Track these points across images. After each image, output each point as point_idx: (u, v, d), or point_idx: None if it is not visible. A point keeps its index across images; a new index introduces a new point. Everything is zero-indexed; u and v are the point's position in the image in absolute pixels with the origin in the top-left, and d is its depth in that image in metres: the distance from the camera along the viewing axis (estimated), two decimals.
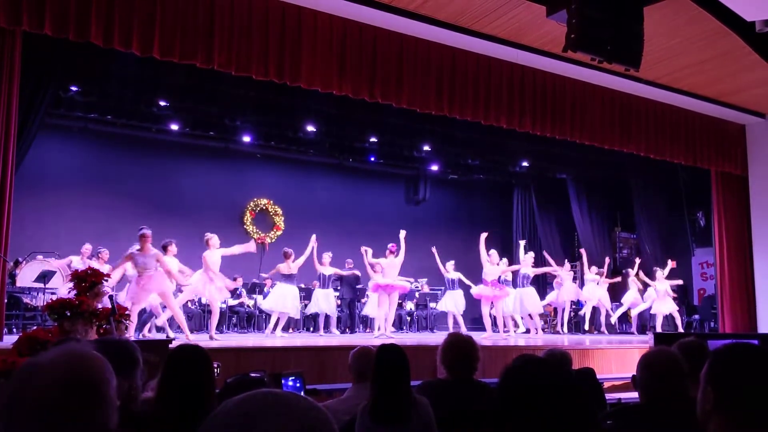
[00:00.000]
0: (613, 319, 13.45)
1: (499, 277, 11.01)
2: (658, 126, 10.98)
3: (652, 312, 12.72)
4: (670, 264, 12.80)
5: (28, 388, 1.11)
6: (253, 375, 3.36)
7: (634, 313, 13.39)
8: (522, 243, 12.65)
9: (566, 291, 13.11)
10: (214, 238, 9.26)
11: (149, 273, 8.32)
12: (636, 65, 6.84)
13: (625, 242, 16.61)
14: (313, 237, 10.48)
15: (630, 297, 13.19)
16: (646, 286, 13.04)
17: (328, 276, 11.03)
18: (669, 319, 12.66)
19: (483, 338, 9.70)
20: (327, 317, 11.53)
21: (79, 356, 1.17)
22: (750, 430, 1.50)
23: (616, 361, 8.92)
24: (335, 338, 10.57)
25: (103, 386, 1.15)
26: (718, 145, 11.82)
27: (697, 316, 13.74)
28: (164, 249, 8.91)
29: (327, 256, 10.92)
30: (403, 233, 10.32)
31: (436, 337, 10.48)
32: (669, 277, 12.66)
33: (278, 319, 10.21)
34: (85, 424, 1.12)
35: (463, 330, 11.28)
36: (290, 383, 3.89)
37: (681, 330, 12.44)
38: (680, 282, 13.14)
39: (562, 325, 13.21)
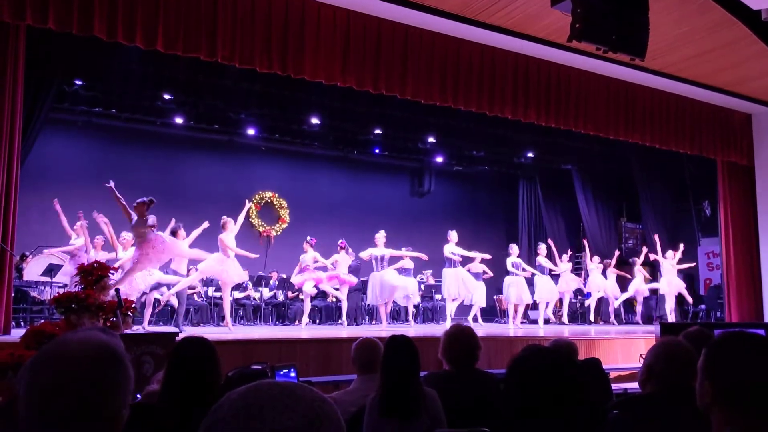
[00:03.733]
0: (617, 303, 13.44)
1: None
2: (663, 116, 10.93)
3: (661, 293, 12.84)
4: (681, 249, 12.85)
5: (64, 353, 1.20)
6: (254, 367, 3.37)
7: (639, 298, 13.45)
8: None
9: (564, 281, 13.18)
10: (230, 222, 9.37)
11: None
12: (641, 55, 6.80)
13: (630, 232, 16.58)
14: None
15: (635, 285, 13.21)
16: (653, 273, 13.11)
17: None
18: (678, 302, 12.83)
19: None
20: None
21: (105, 336, 1.27)
22: (751, 424, 1.49)
23: (622, 351, 8.92)
24: (341, 330, 10.58)
25: (127, 361, 1.26)
26: (723, 135, 11.76)
27: (703, 306, 13.72)
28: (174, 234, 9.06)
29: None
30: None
31: (441, 329, 10.48)
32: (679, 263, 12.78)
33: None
34: (114, 391, 1.21)
35: None
36: (292, 375, 3.89)
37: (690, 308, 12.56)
38: (690, 264, 13.12)
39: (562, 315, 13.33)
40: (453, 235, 11.24)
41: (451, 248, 11.18)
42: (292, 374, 3.89)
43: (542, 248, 12.66)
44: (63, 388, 1.16)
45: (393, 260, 10.90)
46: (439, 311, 13.79)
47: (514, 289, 11.83)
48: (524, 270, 12.04)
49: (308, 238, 11.36)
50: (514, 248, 12.11)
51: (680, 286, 12.65)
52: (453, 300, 11.47)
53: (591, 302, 13.46)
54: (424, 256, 11.19)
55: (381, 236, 10.67)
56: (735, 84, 10.83)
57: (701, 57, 9.66)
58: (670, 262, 12.65)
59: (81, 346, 1.21)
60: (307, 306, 11.22)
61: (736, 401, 1.51)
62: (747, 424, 1.49)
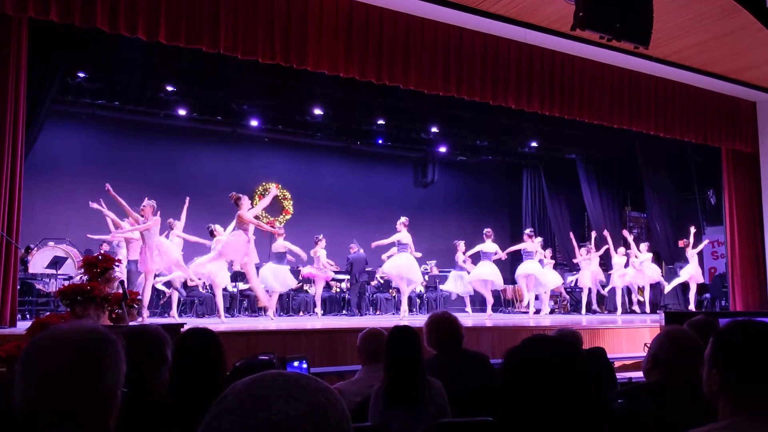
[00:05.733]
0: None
1: None
2: (667, 104, 10.89)
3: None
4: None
5: (53, 339, 1.25)
6: (261, 357, 3.38)
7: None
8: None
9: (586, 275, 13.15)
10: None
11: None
12: (645, 43, 6.76)
13: (635, 221, 16.54)
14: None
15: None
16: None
17: None
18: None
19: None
20: None
21: (92, 323, 1.34)
22: (758, 412, 1.49)
23: (627, 341, 8.92)
24: (346, 320, 10.60)
25: (117, 342, 1.30)
26: (728, 123, 11.72)
27: (708, 295, 13.70)
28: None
29: None
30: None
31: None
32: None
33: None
34: (105, 370, 1.25)
35: None
36: (296, 365, 3.90)
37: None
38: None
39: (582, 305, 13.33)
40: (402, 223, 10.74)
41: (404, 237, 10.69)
42: (304, 365, 3.91)
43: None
44: (54, 371, 1.20)
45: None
46: (444, 301, 13.80)
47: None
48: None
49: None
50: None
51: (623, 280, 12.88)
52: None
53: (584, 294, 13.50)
54: (303, 255, 11.16)
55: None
56: (740, 71, 10.79)
57: (705, 44, 9.61)
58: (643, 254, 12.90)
59: (69, 331, 1.26)
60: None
61: (744, 390, 1.50)
62: (754, 412, 1.49)
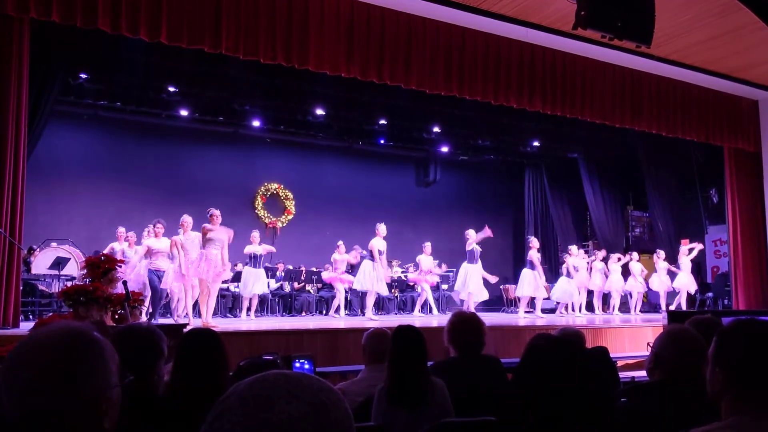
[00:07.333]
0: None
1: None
2: (669, 103, 10.88)
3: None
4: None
5: (33, 345, 1.24)
6: (265, 357, 3.38)
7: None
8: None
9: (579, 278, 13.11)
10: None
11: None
12: (647, 42, 6.75)
13: (637, 221, 16.53)
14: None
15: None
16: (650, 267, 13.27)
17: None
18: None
19: None
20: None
21: (77, 323, 1.31)
22: (761, 411, 1.48)
23: (629, 340, 8.92)
24: (347, 320, 10.60)
25: (101, 342, 1.28)
26: (730, 122, 11.70)
27: (710, 294, 13.69)
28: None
29: None
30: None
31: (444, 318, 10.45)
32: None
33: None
34: (89, 371, 1.23)
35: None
36: (301, 365, 3.90)
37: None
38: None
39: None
40: (381, 229, 10.85)
41: (379, 244, 10.80)
42: (306, 366, 3.90)
43: (534, 242, 12.21)
44: (34, 380, 1.19)
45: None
46: (447, 301, 13.79)
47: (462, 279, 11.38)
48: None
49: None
50: (471, 233, 11.65)
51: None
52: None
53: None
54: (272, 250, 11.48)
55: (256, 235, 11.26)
56: (741, 70, 10.77)
57: (707, 43, 9.60)
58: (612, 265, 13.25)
59: (46, 336, 1.25)
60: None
61: (747, 389, 1.50)
62: (757, 411, 1.48)
